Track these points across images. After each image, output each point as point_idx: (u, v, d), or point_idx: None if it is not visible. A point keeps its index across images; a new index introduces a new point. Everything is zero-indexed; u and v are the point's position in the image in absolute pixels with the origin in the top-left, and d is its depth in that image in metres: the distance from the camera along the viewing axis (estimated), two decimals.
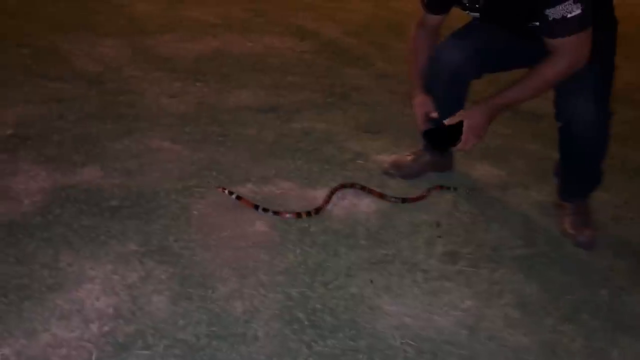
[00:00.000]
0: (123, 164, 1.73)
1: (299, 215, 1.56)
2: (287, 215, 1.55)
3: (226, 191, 1.61)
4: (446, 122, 1.56)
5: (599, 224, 1.66)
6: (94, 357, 1.05)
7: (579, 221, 1.66)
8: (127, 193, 1.58)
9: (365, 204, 1.67)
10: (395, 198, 1.71)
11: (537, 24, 1.41)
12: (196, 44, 2.95)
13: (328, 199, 1.65)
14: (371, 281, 1.34)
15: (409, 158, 1.91)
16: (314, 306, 1.25)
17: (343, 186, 1.74)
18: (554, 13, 1.34)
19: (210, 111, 2.20)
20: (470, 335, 1.21)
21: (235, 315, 1.19)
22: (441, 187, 1.80)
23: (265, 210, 1.56)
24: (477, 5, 1.50)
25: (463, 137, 1.53)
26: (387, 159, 1.96)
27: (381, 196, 1.71)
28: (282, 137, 2.07)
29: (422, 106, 1.66)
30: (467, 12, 1.57)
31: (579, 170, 1.69)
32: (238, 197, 1.60)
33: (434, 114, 1.64)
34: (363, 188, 1.74)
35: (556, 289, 1.40)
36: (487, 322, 1.26)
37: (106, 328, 1.12)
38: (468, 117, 1.53)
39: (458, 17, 1.65)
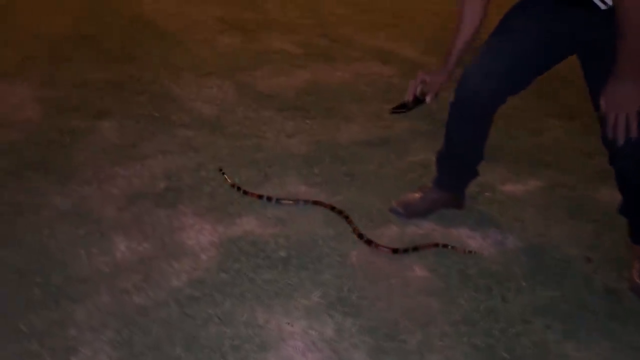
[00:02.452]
0: (273, 212, 1.80)
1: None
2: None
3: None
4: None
5: None
6: None
7: None
8: (288, 242, 1.65)
9: (512, 242, 1.69)
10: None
11: None
12: (289, 78, 3.02)
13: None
14: (548, 327, 1.36)
15: (417, 195, 1.84)
16: (501, 355, 1.28)
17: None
18: None
19: (329, 150, 2.25)
20: None
21: None
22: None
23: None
24: None
25: (608, 112, 1.31)
26: (512, 188, 1.97)
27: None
28: (403, 172, 2.10)
29: (432, 79, 1.55)
30: None
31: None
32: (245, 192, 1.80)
33: (429, 97, 1.55)
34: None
35: None
36: None
37: None
38: (614, 91, 1.30)
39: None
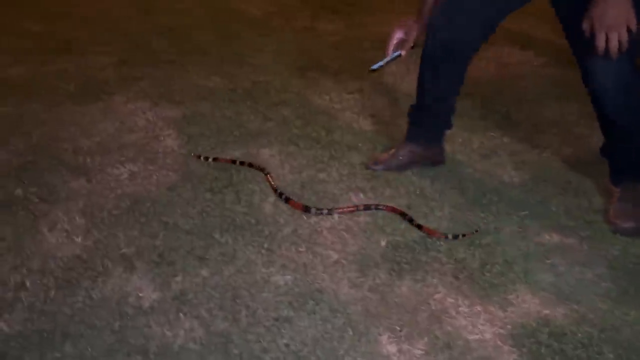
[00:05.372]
0: (543, 277, 1.32)
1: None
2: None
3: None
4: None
5: None
6: None
7: (625, 208, 1.50)
8: (602, 333, 1.17)
9: None
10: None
11: None
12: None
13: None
14: None
15: (391, 152, 1.75)
16: None
17: None
18: None
19: (549, 176, 1.73)
20: None
21: None
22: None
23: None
24: None
25: (598, 33, 1.25)
26: None
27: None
28: None
29: (407, 33, 1.53)
30: None
31: (622, 147, 1.52)
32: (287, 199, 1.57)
33: (404, 51, 1.52)
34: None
35: None
36: None
37: None
38: (604, 10, 1.23)
39: None
